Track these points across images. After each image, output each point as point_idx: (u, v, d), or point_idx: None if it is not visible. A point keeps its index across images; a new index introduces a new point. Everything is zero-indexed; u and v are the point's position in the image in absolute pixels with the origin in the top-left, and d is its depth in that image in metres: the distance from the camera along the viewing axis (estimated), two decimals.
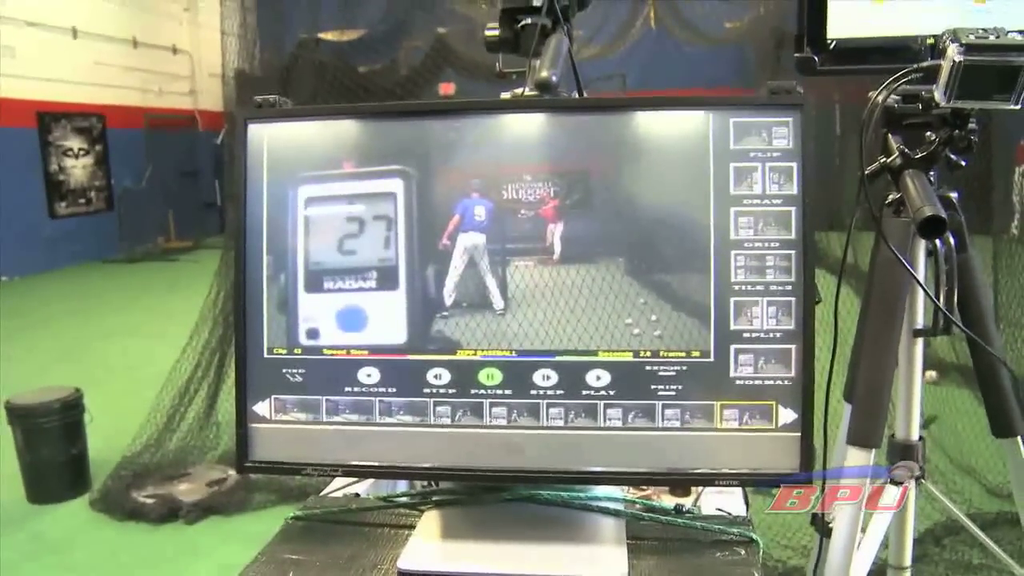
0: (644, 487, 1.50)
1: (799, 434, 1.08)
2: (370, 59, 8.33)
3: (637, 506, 1.24)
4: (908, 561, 1.58)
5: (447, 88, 8.03)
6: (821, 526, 1.51)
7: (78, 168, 12.28)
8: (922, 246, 1.39)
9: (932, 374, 4.51)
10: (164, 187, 13.36)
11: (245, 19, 5.31)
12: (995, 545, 1.68)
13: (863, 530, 1.45)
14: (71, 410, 3.92)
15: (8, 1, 10.35)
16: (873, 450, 1.41)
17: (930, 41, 1.30)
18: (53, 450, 3.88)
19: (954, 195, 1.40)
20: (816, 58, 1.34)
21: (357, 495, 1.37)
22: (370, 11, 8.41)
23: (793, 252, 1.06)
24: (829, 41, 1.34)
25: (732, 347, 1.07)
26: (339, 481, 1.43)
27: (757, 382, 1.08)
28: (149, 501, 3.74)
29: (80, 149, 12.30)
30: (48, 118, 11.62)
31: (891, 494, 1.46)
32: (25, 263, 10.79)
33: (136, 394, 4.53)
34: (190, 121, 14.44)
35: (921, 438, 1.49)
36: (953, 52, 1.13)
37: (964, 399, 3.83)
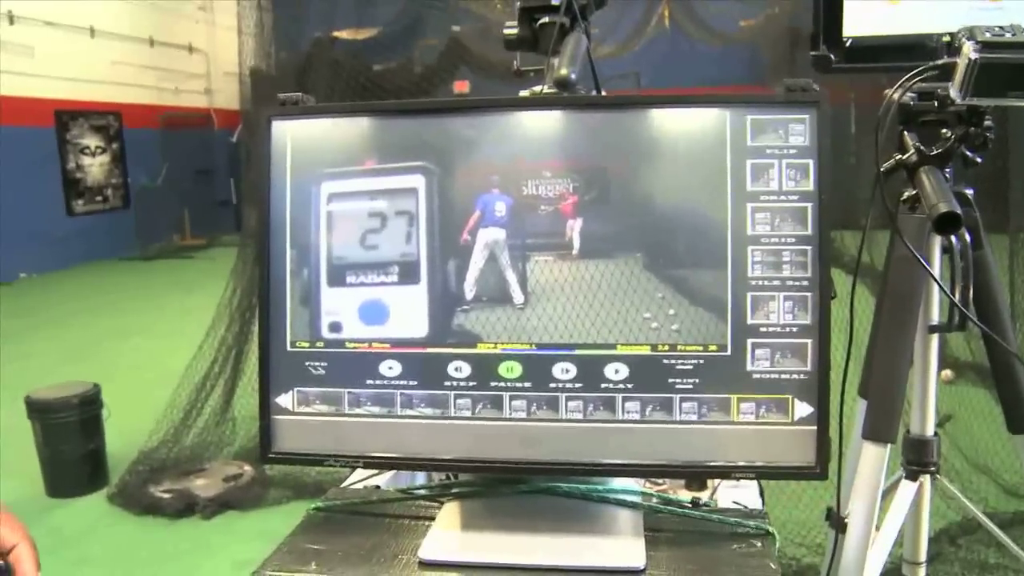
0: (660, 481, 1.51)
1: (815, 428, 1.09)
2: (385, 57, 8.36)
3: (654, 499, 1.26)
4: (923, 556, 1.59)
5: (461, 86, 8.06)
6: (837, 522, 1.52)
7: (95, 166, 12.38)
8: (937, 243, 1.40)
9: (948, 373, 4.49)
10: (180, 185, 13.44)
11: (261, 18, 5.33)
12: (1013, 544, 1.69)
13: (877, 527, 1.46)
14: (89, 405, 3.96)
15: (27, 1, 10.43)
16: (888, 445, 1.42)
17: (946, 39, 1.31)
18: (72, 445, 3.92)
19: (969, 192, 1.41)
20: (832, 56, 1.36)
21: (377, 487, 1.39)
22: (385, 10, 8.44)
23: (809, 248, 1.07)
24: (845, 39, 1.36)
25: (749, 341, 1.09)
26: (359, 474, 1.45)
27: (773, 376, 1.09)
28: (166, 496, 3.78)
29: (97, 147, 12.40)
30: (66, 116, 11.71)
31: (906, 489, 1.47)
32: (42, 260, 10.87)
33: (151, 391, 4.57)
34: (206, 120, 14.52)
35: (936, 434, 1.50)
36: (969, 50, 1.14)
37: (980, 398, 3.81)
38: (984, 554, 2.97)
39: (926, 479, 1.49)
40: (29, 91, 10.69)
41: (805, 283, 1.08)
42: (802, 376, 1.09)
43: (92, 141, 12.31)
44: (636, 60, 10.79)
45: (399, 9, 8.42)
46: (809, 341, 1.08)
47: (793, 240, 1.07)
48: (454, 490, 1.26)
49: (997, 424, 3.86)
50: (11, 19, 10.37)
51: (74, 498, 3.92)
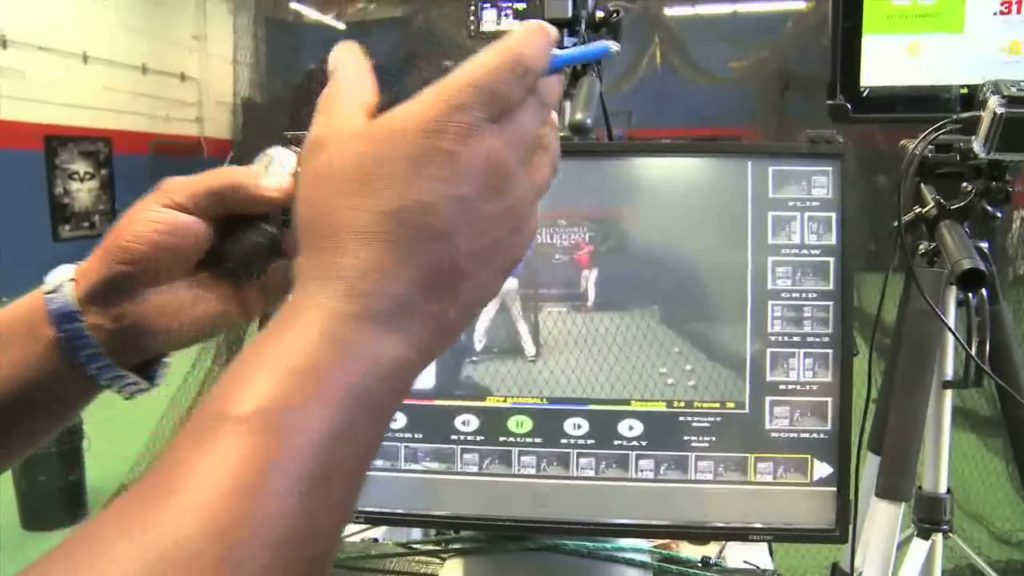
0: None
1: (835, 489, 1.05)
2: (377, 91, 8.36)
3: (661, 557, 1.21)
4: None
5: None
6: None
7: (83, 192, 12.30)
8: (953, 297, 1.38)
9: None
10: None
11: (257, 48, 5.34)
12: None
13: None
14: (70, 436, 3.88)
15: (20, 26, 10.43)
16: (903, 504, 1.39)
17: (963, 91, 1.29)
18: (50, 476, 3.84)
19: (985, 245, 1.38)
20: (849, 105, 1.33)
21: (376, 540, 1.33)
22: (379, 44, 8.48)
23: (831, 303, 1.04)
24: (862, 89, 1.33)
25: (768, 399, 1.05)
26: (351, 524, 1.39)
27: (792, 435, 1.05)
28: None
29: (86, 173, 12.34)
30: (55, 141, 11.65)
31: (918, 549, 1.44)
32: (26, 284, 10.45)
33: (136, 421, 4.47)
34: (196, 148, 14.48)
35: (949, 491, 1.46)
36: (994, 104, 1.12)
37: (970, 444, 3.79)
38: None
39: (938, 538, 1.46)
40: (19, 115, 10.64)
41: (826, 339, 1.04)
42: (822, 435, 1.05)
43: (81, 167, 12.24)
44: (627, 99, 10.85)
45: (392, 43, 8.45)
46: (829, 399, 1.04)
47: (815, 295, 1.04)
48: (457, 545, 1.21)
49: (987, 471, 3.86)
50: (4, 43, 10.35)
51: (51, 531, 3.82)
